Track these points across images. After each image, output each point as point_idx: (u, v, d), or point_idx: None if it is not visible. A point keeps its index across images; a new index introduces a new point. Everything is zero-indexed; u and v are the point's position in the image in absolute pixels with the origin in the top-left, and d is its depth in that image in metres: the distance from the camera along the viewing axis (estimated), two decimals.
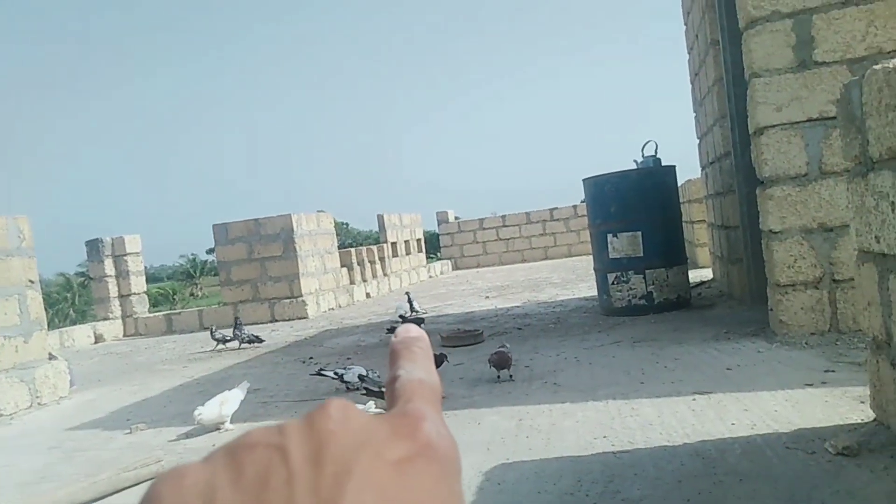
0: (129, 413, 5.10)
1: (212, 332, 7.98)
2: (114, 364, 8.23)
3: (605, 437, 3.25)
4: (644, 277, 6.56)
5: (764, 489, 2.49)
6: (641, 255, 6.56)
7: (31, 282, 6.00)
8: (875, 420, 2.90)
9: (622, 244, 6.63)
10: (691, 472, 2.72)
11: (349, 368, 4.79)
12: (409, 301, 8.63)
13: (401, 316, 8.07)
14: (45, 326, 6.21)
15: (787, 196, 4.69)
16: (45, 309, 6.50)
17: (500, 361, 4.48)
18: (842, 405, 3.27)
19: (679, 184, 7.51)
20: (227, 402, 4.24)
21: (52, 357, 6.24)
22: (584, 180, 7.08)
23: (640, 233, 6.56)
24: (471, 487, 2.84)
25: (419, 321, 7.13)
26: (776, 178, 4.72)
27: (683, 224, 7.53)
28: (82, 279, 31.78)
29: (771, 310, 4.90)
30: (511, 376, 4.55)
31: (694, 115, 8.48)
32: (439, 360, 4.88)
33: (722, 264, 7.57)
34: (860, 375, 3.48)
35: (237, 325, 7.92)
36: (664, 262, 6.59)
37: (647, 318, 6.34)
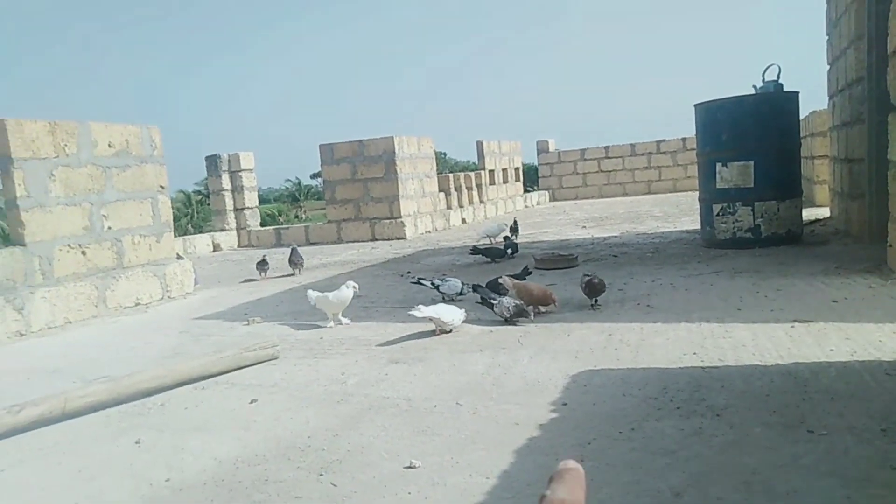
0: (245, 309, 5.57)
1: (260, 263, 7.45)
2: (231, 269, 8.90)
3: (694, 353, 3.26)
4: (752, 209, 6.28)
5: (855, 408, 2.45)
6: (752, 185, 6.26)
7: (162, 187, 6.54)
8: None
9: (731, 174, 6.35)
10: (780, 388, 2.71)
11: (446, 280, 5.00)
12: (515, 225, 8.62)
13: (505, 237, 8.14)
14: (173, 230, 6.79)
15: None
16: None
17: (591, 289, 4.39)
18: None
19: (802, 116, 7.02)
20: (339, 296, 4.59)
21: (179, 257, 6.85)
22: (695, 106, 6.76)
23: (752, 163, 6.24)
24: (557, 386, 2.97)
25: (514, 247, 7.20)
26: None
27: (803, 159, 7.06)
28: (199, 196, 33.92)
29: (890, 246, 4.61)
30: (597, 303, 4.43)
31: (826, 37, 7.79)
32: (525, 272, 5.01)
33: (841, 201, 7.11)
34: None
35: (293, 254, 7.51)
36: (776, 194, 6.26)
37: (752, 251, 6.11)
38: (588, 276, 4.47)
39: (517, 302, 4.22)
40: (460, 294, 4.86)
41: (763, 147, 6.24)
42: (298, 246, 11.45)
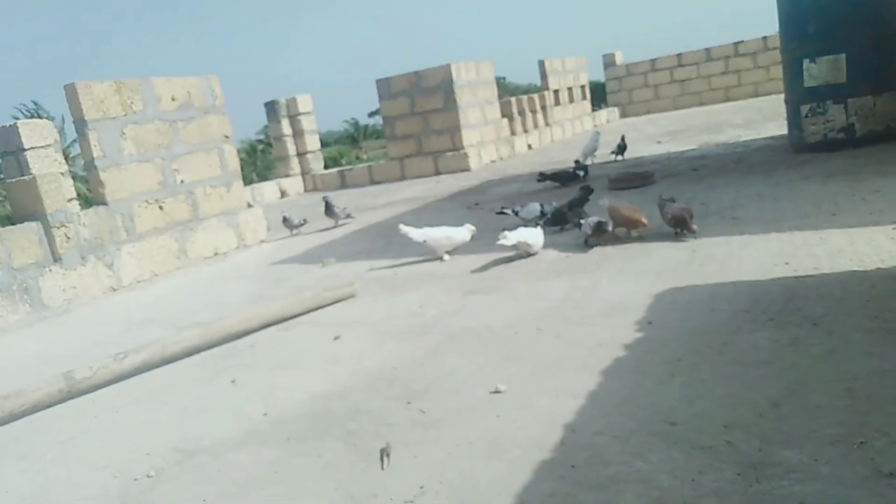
0: (319, 252, 5.67)
1: (284, 219, 6.85)
2: (300, 214, 9.05)
3: (786, 263, 3.09)
4: (845, 107, 5.80)
5: None
6: (843, 80, 5.76)
7: (227, 137, 6.65)
8: None
9: (821, 70, 5.86)
10: (883, 293, 2.53)
11: (525, 205, 4.92)
12: (623, 143, 8.17)
13: (618, 146, 7.92)
14: (241, 179, 6.93)
15: None
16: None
17: (678, 220, 3.87)
18: None
19: None
20: (452, 237, 4.55)
21: (249, 206, 7.02)
22: None
23: (843, 55, 5.72)
24: (641, 306, 2.88)
25: (584, 169, 6.98)
26: None
27: None
28: (262, 145, 34.45)
29: None
30: (683, 233, 3.89)
31: None
32: (587, 191, 4.82)
33: None
34: None
35: (328, 207, 6.84)
36: (871, 88, 5.75)
37: (846, 153, 5.68)
38: (667, 199, 4.08)
39: (600, 220, 4.05)
40: (542, 216, 4.76)
41: (855, 36, 5.70)
42: (363, 186, 11.62)
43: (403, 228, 4.61)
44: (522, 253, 4.15)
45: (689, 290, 3.01)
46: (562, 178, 6.91)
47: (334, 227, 6.81)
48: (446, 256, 4.51)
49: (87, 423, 2.77)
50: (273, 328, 3.61)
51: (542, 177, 7.03)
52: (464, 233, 4.50)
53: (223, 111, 6.62)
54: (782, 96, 6.64)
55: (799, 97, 6.11)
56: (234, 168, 6.73)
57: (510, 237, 4.09)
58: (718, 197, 4.85)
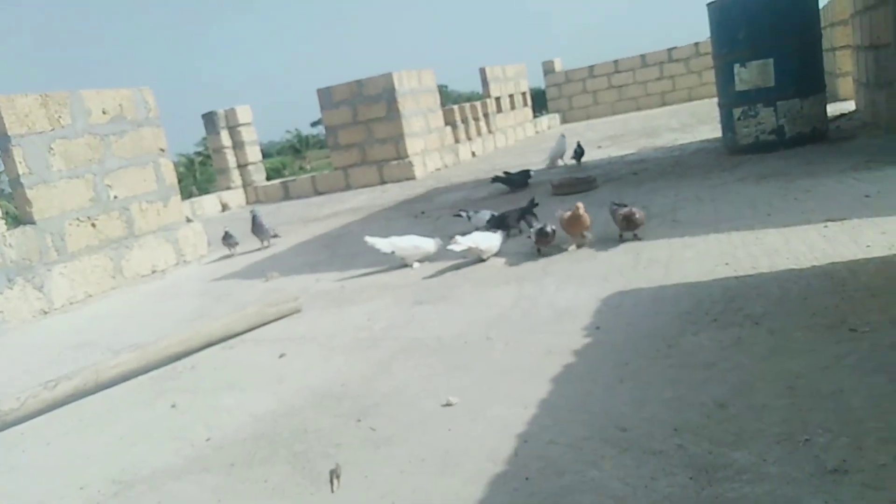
0: (263, 266, 5.52)
1: (226, 236, 6.24)
2: (241, 227, 8.82)
3: (726, 264, 3.16)
4: (775, 110, 6.03)
5: None
6: (772, 84, 5.98)
7: (162, 150, 6.42)
8: None
9: (751, 74, 6.07)
10: (818, 290, 2.61)
11: (478, 211, 4.95)
12: (580, 149, 8.01)
13: (575, 151, 7.91)
14: (179, 193, 6.71)
15: None
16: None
17: (629, 222, 3.88)
18: None
19: (821, 5, 6.65)
20: (421, 245, 4.46)
21: (188, 220, 6.80)
22: (708, 5, 6.40)
23: (771, 60, 5.94)
24: (588, 311, 2.90)
25: (526, 177, 7.03)
26: None
27: (824, 51, 6.71)
28: (201, 157, 33.56)
29: None
30: (635, 237, 3.94)
31: None
32: (532, 203, 4.81)
33: (867, 92, 6.80)
34: None
35: (255, 224, 6.28)
36: (798, 91, 5.99)
37: (777, 153, 5.90)
38: (618, 205, 4.08)
39: (542, 226, 4.00)
40: (497, 224, 4.74)
41: (782, 43, 5.93)
42: (307, 197, 11.41)
43: (370, 240, 4.53)
44: (475, 258, 4.15)
45: (634, 293, 3.05)
46: (512, 182, 6.96)
47: (261, 248, 6.23)
48: (416, 265, 4.45)
49: (15, 458, 2.61)
50: (215, 347, 3.49)
51: (496, 179, 7.10)
52: (431, 243, 4.45)
53: (158, 123, 6.40)
54: (715, 100, 6.85)
55: (731, 101, 6.31)
56: (172, 182, 6.51)
57: (462, 242, 4.09)
58: (659, 200, 4.95)
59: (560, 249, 4.03)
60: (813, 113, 6.07)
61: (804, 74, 6.03)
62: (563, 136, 8.34)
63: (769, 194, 4.44)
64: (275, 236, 6.44)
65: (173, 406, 2.81)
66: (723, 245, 3.49)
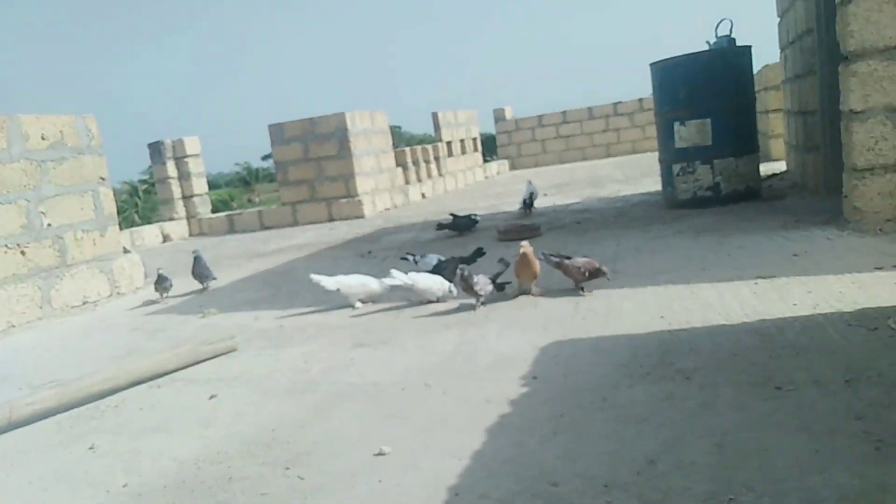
0: (201, 301, 5.37)
1: (158, 278, 5.55)
2: (182, 260, 8.57)
3: (662, 317, 3.24)
4: (711, 168, 6.30)
5: (821, 361, 2.45)
6: (710, 143, 6.27)
7: (103, 179, 6.24)
8: None
9: (690, 133, 6.34)
10: (748, 346, 2.70)
11: (424, 255, 4.90)
12: (530, 199, 7.96)
13: (524, 200, 7.91)
14: (117, 222, 6.51)
15: (873, 72, 4.34)
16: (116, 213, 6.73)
17: (593, 272, 3.81)
18: None
19: (755, 70, 7.04)
20: (367, 284, 4.39)
21: (126, 251, 6.58)
22: (651, 65, 6.71)
23: (708, 120, 6.24)
24: (527, 360, 2.91)
25: (473, 221, 7.09)
26: (862, 53, 4.35)
27: (758, 114, 7.10)
28: (145, 186, 32.75)
29: (845, 196, 4.66)
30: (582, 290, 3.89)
31: None
32: (478, 253, 4.81)
33: (796, 154, 7.19)
34: None
35: (196, 264, 5.77)
36: (734, 151, 6.28)
37: (713, 209, 6.14)
38: (556, 256, 4.00)
39: (491, 278, 3.96)
40: (440, 269, 4.70)
41: (719, 104, 6.24)
42: (252, 231, 11.20)
43: (315, 277, 4.45)
44: (420, 300, 4.13)
45: (572, 343, 3.08)
46: (459, 226, 7.01)
47: (201, 290, 5.74)
48: (359, 305, 4.38)
49: None
50: (143, 386, 3.34)
51: (440, 226, 7.09)
52: (377, 284, 4.39)
53: (100, 152, 6.24)
54: (657, 153, 7.12)
55: (671, 157, 6.57)
56: (110, 212, 6.32)
57: (397, 276, 4.07)
58: (601, 250, 5.06)
59: (506, 296, 4.05)
60: (747, 172, 6.37)
61: (739, 135, 6.34)
62: (529, 181, 8.45)
63: (705, 249, 4.60)
64: (213, 279, 5.81)
65: (91, 448, 2.66)
66: (660, 298, 3.57)
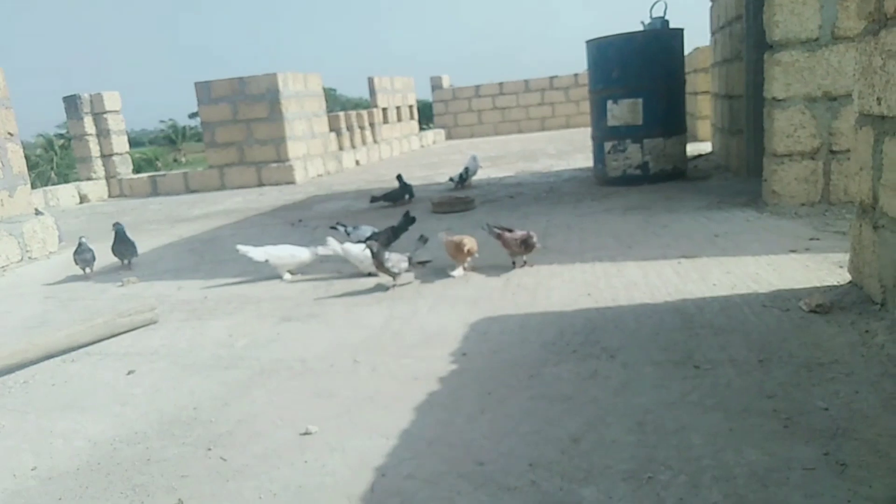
0: (118, 268, 5.13)
1: (79, 248, 4.89)
2: (101, 223, 8.19)
3: (589, 294, 3.31)
4: (641, 147, 6.45)
5: (736, 340, 2.56)
6: (640, 123, 6.40)
7: (11, 134, 5.82)
8: (850, 282, 2.96)
9: (622, 111, 6.45)
10: (669, 325, 2.79)
11: (357, 227, 4.78)
12: (466, 173, 7.79)
13: (460, 176, 7.71)
14: (28, 182, 6.10)
15: (795, 62, 4.51)
16: (27, 171, 6.27)
17: (527, 247, 3.86)
18: (821, 269, 3.32)
19: (687, 52, 7.20)
20: (297, 255, 4.25)
21: (38, 213, 6.19)
22: (587, 42, 6.76)
23: (640, 100, 6.36)
24: (457, 336, 2.91)
25: (410, 191, 6.99)
26: (786, 43, 4.50)
27: (687, 95, 7.29)
28: (62, 141, 30.80)
29: (765, 180, 4.86)
30: (525, 263, 3.96)
31: None
32: (407, 219, 4.69)
33: (722, 136, 7.44)
34: (843, 243, 3.51)
35: (118, 237, 5.05)
36: (663, 131, 6.45)
37: (642, 188, 6.30)
38: (498, 228, 4.02)
39: (405, 256, 3.84)
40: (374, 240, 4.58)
41: (652, 85, 6.37)
42: (177, 195, 10.71)
43: (241, 248, 4.30)
44: (353, 272, 4.06)
45: (501, 319, 3.10)
46: (391, 197, 6.92)
47: (122, 267, 5.10)
48: (288, 276, 4.27)
49: None
50: (55, 360, 3.17)
51: (373, 199, 6.97)
52: (307, 253, 4.28)
53: (7, 105, 5.81)
54: (589, 130, 7.22)
55: (603, 134, 6.68)
56: (20, 170, 5.92)
57: (331, 244, 4.00)
58: (532, 226, 5.07)
59: (442, 273, 4.01)
60: (675, 152, 6.55)
61: (669, 116, 6.50)
62: (474, 155, 8.33)
63: (632, 227, 4.72)
64: (135, 255, 5.16)
65: None
66: (587, 275, 3.65)
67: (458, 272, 3.94)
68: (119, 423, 2.44)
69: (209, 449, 2.18)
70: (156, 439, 2.29)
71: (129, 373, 2.92)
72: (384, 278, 3.95)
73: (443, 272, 3.97)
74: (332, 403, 2.41)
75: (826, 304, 2.75)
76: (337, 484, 1.88)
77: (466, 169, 7.94)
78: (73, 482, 2.07)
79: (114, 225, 5.13)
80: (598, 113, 6.70)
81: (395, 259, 3.77)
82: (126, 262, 5.13)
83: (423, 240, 4.06)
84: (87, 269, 4.94)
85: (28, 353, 3.09)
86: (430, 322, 3.18)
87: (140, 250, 5.43)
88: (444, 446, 2.03)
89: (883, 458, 1.73)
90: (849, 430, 1.87)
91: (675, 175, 6.55)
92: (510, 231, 3.99)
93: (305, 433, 2.20)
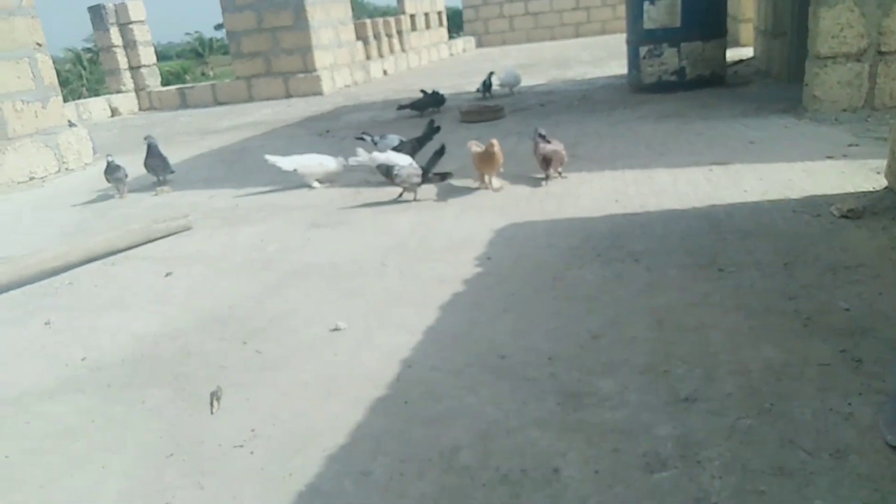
0: (155, 183, 5.21)
1: (108, 168, 4.75)
2: (133, 136, 8.28)
3: (616, 201, 3.29)
4: (678, 51, 6.18)
5: (763, 245, 2.55)
6: (678, 25, 6.11)
7: (39, 44, 5.82)
8: (886, 188, 2.88)
9: (659, 13, 6.15)
10: (697, 230, 2.78)
11: (385, 136, 4.69)
12: (489, 80, 7.51)
13: (483, 84, 7.51)
14: (60, 94, 6.15)
15: None
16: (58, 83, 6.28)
17: (547, 162, 3.73)
18: (858, 176, 3.24)
19: None
20: (325, 164, 4.27)
21: (72, 125, 6.27)
22: None
23: (679, 0, 6.04)
24: (482, 242, 2.95)
25: (440, 99, 6.86)
26: None
27: None
28: (90, 55, 30.64)
29: (806, 84, 4.65)
30: (560, 174, 3.83)
31: None
32: (431, 128, 4.51)
33: (764, 40, 7.08)
34: (883, 149, 3.38)
35: (150, 153, 4.90)
36: (702, 34, 6.15)
37: (677, 95, 6.09)
38: (542, 136, 3.86)
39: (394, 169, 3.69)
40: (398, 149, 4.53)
41: None
42: (206, 107, 10.70)
43: (270, 158, 4.31)
44: (381, 181, 3.96)
45: (527, 225, 3.12)
46: (419, 106, 6.80)
47: (158, 183, 4.89)
48: (316, 185, 4.31)
49: None
50: (96, 263, 3.31)
51: (400, 107, 6.87)
52: (335, 162, 4.28)
53: (33, 14, 5.77)
54: (625, 36, 6.93)
55: (638, 38, 6.41)
56: (51, 81, 5.95)
57: (361, 154, 3.86)
58: (562, 134, 5.00)
59: (467, 189, 3.91)
60: (713, 57, 6.28)
61: (708, 18, 6.19)
62: (514, 67, 8.04)
63: (665, 134, 4.61)
64: (172, 172, 5.02)
65: (47, 324, 2.66)
66: (616, 182, 3.61)
67: (497, 183, 3.77)
68: (159, 320, 2.57)
69: (245, 343, 2.29)
70: (194, 334, 2.41)
71: (167, 275, 3.04)
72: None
73: (469, 186, 3.96)
74: (361, 303, 2.50)
75: (858, 209, 2.70)
76: (365, 374, 1.98)
77: (491, 74, 7.70)
78: (119, 371, 2.21)
79: (145, 138, 4.98)
80: (634, 15, 6.40)
81: (406, 173, 3.66)
82: (160, 178, 4.93)
83: (440, 153, 3.89)
84: (122, 188, 4.71)
85: (70, 256, 3.23)
86: (457, 228, 3.21)
87: (172, 161, 5.45)
88: (467, 342, 2.10)
89: None
90: (868, 330, 1.88)
91: (713, 81, 6.30)
92: (548, 142, 3.83)
93: (335, 329, 2.29)
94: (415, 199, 3.75)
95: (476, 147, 3.83)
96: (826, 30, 4.37)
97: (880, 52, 4.34)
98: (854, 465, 1.38)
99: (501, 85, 7.68)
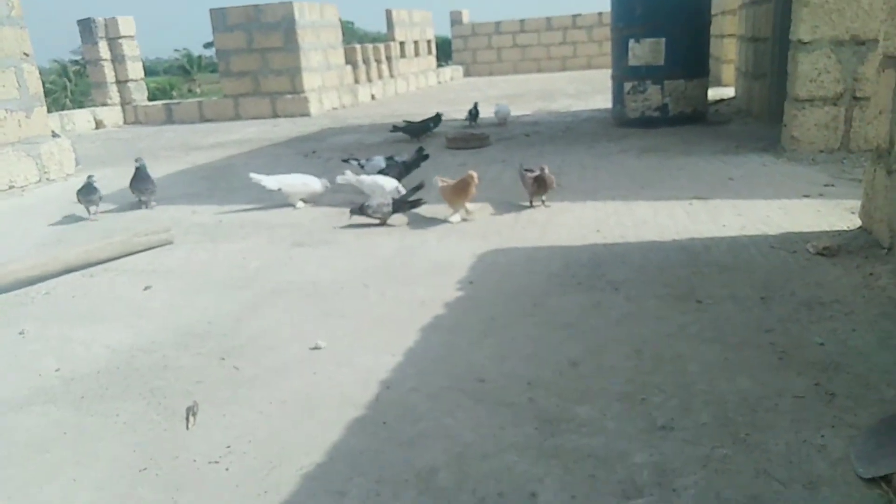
0: (137, 204, 5.17)
1: (85, 187, 4.41)
2: (116, 149, 8.25)
3: (598, 231, 3.33)
4: (661, 88, 6.32)
5: (740, 279, 2.60)
6: (662, 63, 6.26)
7: (26, 55, 5.79)
8: (860, 227, 2.96)
9: (643, 51, 6.31)
10: (675, 262, 2.82)
11: (370, 159, 4.71)
12: (475, 109, 7.76)
13: (469, 112, 7.71)
14: (45, 104, 6.11)
15: (825, 3, 4.37)
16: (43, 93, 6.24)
17: (540, 185, 3.81)
18: (833, 214, 3.32)
19: None
20: (310, 184, 4.31)
21: (55, 135, 6.22)
22: None
23: (663, 39, 6.20)
24: (464, 266, 2.97)
25: (437, 119, 6.90)
26: None
27: (712, 38, 7.09)
28: (77, 67, 30.54)
29: (784, 125, 4.78)
30: (544, 203, 3.92)
31: None
32: (420, 155, 4.63)
33: (745, 80, 7.28)
34: (857, 191, 3.47)
35: (137, 176, 4.66)
36: (685, 73, 6.31)
37: (660, 130, 6.22)
38: (528, 170, 3.92)
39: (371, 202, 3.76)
40: (384, 172, 4.56)
41: (675, 24, 6.20)
42: (192, 123, 10.69)
43: (254, 176, 4.33)
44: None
45: (509, 251, 3.15)
46: (412, 131, 6.86)
47: (142, 205, 4.69)
48: (300, 205, 4.32)
49: None
50: (75, 274, 3.27)
51: (395, 129, 6.92)
52: (318, 183, 4.33)
53: (21, 24, 5.76)
54: (610, 71, 7.08)
55: (623, 74, 6.55)
56: (36, 91, 5.91)
57: (349, 175, 3.98)
58: (546, 164, 5.08)
59: (439, 221, 3.82)
60: (695, 95, 6.43)
61: (692, 57, 6.35)
62: (505, 103, 8.20)
63: (647, 168, 4.70)
64: (154, 192, 4.74)
65: (21, 334, 2.62)
66: (598, 213, 3.66)
67: (456, 218, 3.73)
68: (136, 333, 2.54)
69: (222, 359, 2.27)
70: (171, 349, 2.38)
71: (146, 288, 3.01)
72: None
73: (437, 217, 3.96)
74: (342, 323, 2.49)
75: (833, 247, 2.77)
76: (344, 394, 1.97)
77: (476, 104, 7.85)
78: (93, 383, 2.17)
79: (136, 160, 4.74)
80: (620, 52, 6.55)
81: (376, 205, 3.72)
82: (145, 200, 4.69)
83: (418, 188, 3.92)
84: (94, 210, 4.50)
85: (48, 266, 3.19)
86: (440, 252, 3.23)
87: (155, 176, 5.39)
88: (447, 364, 2.10)
89: (872, 391, 1.78)
90: (842, 365, 1.92)
91: (695, 118, 6.45)
92: (542, 169, 3.85)
93: (315, 348, 2.28)
94: (386, 225, 3.76)
95: (441, 182, 3.81)
96: (804, 74, 4.51)
97: (855, 98, 4.49)
98: (826, 497, 1.41)
99: (496, 116, 7.74)
